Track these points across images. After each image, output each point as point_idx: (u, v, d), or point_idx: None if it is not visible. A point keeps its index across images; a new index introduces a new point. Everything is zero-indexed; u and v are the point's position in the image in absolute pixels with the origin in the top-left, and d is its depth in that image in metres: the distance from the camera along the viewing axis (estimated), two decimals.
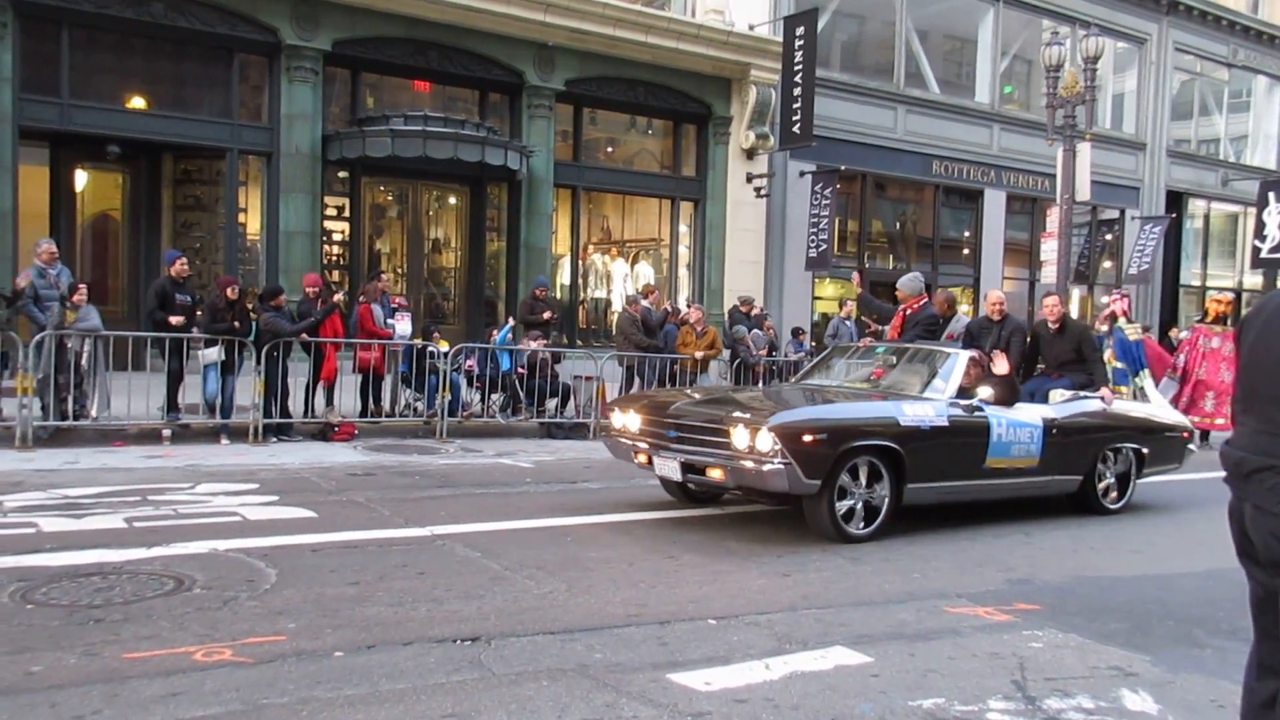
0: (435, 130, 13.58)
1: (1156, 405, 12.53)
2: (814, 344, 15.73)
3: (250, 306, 10.33)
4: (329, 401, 10.51)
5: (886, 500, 6.44)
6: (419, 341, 11.27)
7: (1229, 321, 13.17)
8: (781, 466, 5.97)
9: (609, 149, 17.57)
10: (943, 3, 20.16)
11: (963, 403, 6.95)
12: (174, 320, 9.51)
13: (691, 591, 5.08)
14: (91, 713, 3.26)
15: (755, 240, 17.41)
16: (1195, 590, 5.61)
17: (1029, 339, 9.23)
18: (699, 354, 12.65)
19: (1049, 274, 15.82)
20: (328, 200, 14.16)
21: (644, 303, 13.21)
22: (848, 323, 15.07)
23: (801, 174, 17.53)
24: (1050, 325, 9.01)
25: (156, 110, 13.07)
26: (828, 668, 3.98)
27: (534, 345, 11.90)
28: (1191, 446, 8.66)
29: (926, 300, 9.70)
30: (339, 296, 10.96)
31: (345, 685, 3.58)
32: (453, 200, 15.87)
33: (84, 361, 9.33)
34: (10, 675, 3.55)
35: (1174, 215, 23.30)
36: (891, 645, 4.29)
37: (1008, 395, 7.24)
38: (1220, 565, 5.90)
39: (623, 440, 7.08)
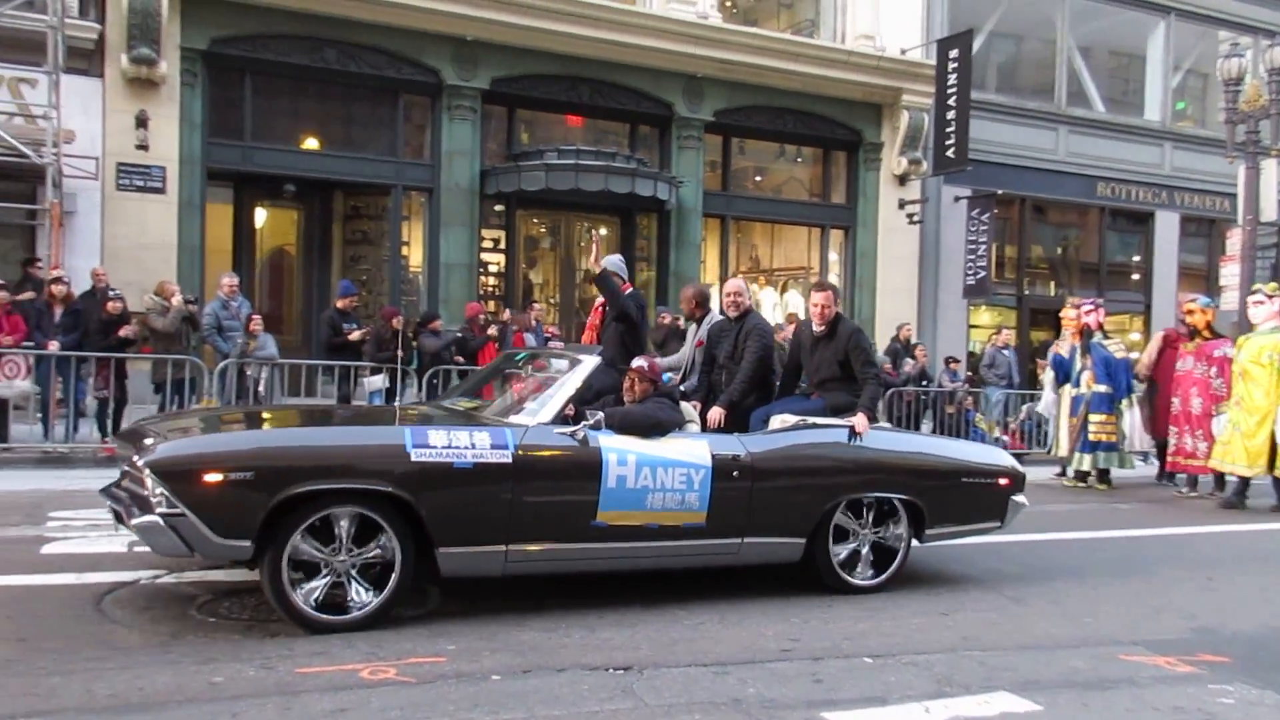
0: (587, 163, 13.90)
1: (1133, 437, 10.91)
2: (969, 373, 15.22)
3: (412, 335, 10.79)
4: None
5: (396, 573, 4.54)
6: None
7: (1200, 335, 10.58)
8: (160, 520, 4.19)
9: (757, 178, 17.57)
10: (1108, 18, 19.32)
11: (559, 430, 4.95)
12: (353, 336, 10.07)
13: (846, 628, 4.96)
14: None
15: (908, 268, 17.03)
16: None
17: (777, 345, 7.05)
18: None
19: (1230, 300, 14.80)
20: (484, 233, 14.66)
21: (789, 331, 13.08)
22: (1005, 352, 14.52)
23: (956, 199, 17.07)
24: (815, 328, 6.48)
25: (329, 150, 13.86)
26: (992, 714, 3.79)
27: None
28: (1019, 499, 6.16)
29: (633, 289, 7.09)
30: (493, 330, 11.32)
31: (503, 709, 3.65)
32: (604, 231, 16.17)
33: (261, 388, 9.93)
34: (196, 685, 3.77)
35: None
36: (1061, 694, 4.06)
37: (648, 420, 5.25)
38: None
39: None
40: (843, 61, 15.86)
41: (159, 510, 4.21)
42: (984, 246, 16.55)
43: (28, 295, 10.15)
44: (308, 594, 4.41)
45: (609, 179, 13.92)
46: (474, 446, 4.68)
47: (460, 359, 10.79)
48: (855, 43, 16.29)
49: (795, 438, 5.63)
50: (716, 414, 5.99)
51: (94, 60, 12.07)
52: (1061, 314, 12.14)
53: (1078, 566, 6.74)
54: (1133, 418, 11.00)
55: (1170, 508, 9.99)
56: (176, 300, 9.96)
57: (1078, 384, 11.09)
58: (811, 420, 5.82)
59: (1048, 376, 11.76)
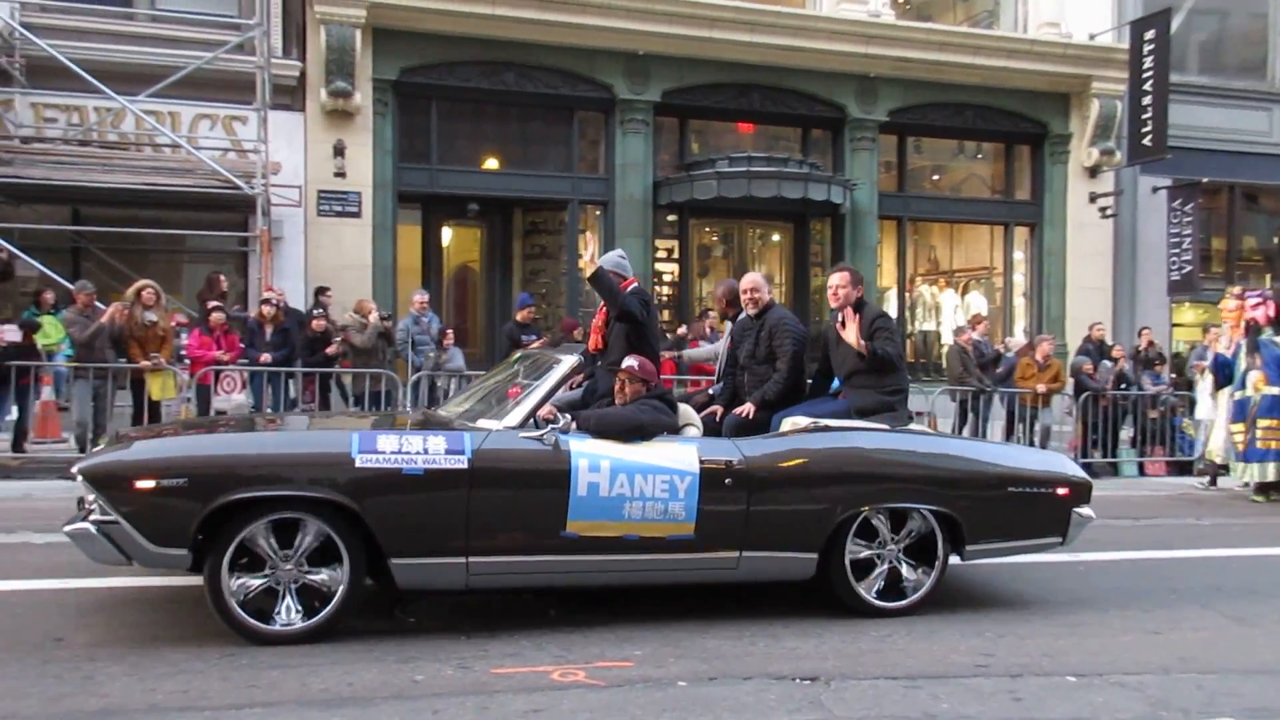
0: (759, 170, 13.82)
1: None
2: (1174, 375, 14.21)
3: None
4: None
5: (343, 585, 4.38)
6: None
7: None
8: (92, 527, 4.15)
9: (934, 177, 17.01)
10: None
11: (525, 434, 4.65)
12: (532, 347, 10.38)
13: (1044, 644, 4.72)
14: None
15: (1101, 265, 16.08)
16: None
17: (807, 342, 6.22)
18: (1041, 387, 11.88)
19: None
20: (658, 243, 14.81)
21: (973, 334, 12.62)
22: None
23: (1155, 190, 16.00)
24: (839, 318, 5.93)
25: (508, 169, 14.35)
26: None
27: None
28: (1084, 511, 5.45)
29: (636, 285, 6.40)
30: (667, 337, 11.46)
31: (689, 715, 3.67)
32: (776, 237, 16.06)
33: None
34: (400, 681, 3.97)
35: None
36: None
37: (627, 422, 4.89)
38: None
39: None
40: (1026, 51, 15.16)
41: (92, 517, 4.18)
42: (1189, 239, 15.44)
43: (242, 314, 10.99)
44: (239, 589, 4.29)
45: (781, 185, 13.80)
46: (426, 452, 4.46)
47: None
48: (1039, 31, 15.55)
49: (801, 442, 5.12)
50: (748, 407, 5.70)
51: (296, 96, 12.96)
52: (1220, 305, 11.12)
53: None
54: None
55: None
56: (373, 317, 10.55)
57: (1242, 385, 10.17)
58: (824, 423, 5.31)
59: (1206, 380, 10.81)
